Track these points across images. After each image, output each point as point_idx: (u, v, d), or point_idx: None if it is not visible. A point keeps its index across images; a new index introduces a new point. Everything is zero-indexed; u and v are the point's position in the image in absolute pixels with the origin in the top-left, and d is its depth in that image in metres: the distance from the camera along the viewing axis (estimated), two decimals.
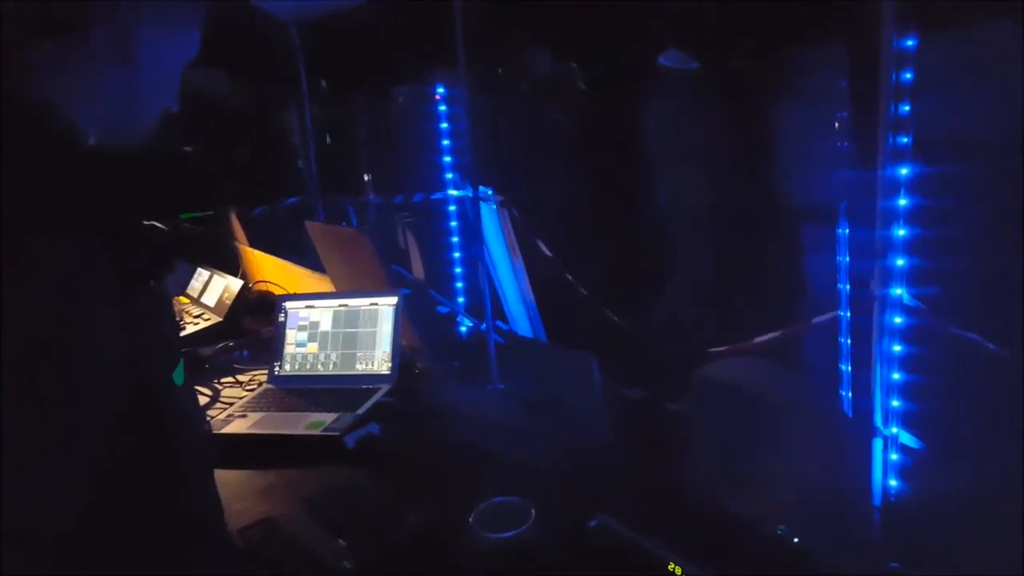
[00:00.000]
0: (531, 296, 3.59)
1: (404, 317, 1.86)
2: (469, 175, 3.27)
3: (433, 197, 3.95)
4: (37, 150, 0.78)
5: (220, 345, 2.12)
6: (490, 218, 3.52)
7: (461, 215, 3.82)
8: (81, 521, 0.73)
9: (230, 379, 1.94)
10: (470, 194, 3.27)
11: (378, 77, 4.57)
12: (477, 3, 2.87)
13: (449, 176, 3.82)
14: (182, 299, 2.59)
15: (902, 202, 1.84)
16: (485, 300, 3.23)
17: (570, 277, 3.67)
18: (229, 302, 2.31)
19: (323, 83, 4.35)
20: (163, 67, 0.90)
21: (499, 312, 3.59)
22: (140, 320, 0.82)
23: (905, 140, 1.81)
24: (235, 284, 2.37)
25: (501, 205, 3.50)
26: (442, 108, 3.74)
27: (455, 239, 3.92)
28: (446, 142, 3.78)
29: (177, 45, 0.91)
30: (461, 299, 3.92)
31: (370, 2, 3.14)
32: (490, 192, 3.45)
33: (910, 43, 1.78)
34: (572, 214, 3.84)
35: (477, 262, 3.37)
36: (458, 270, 3.92)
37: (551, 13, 3.95)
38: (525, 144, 3.93)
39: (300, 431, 1.59)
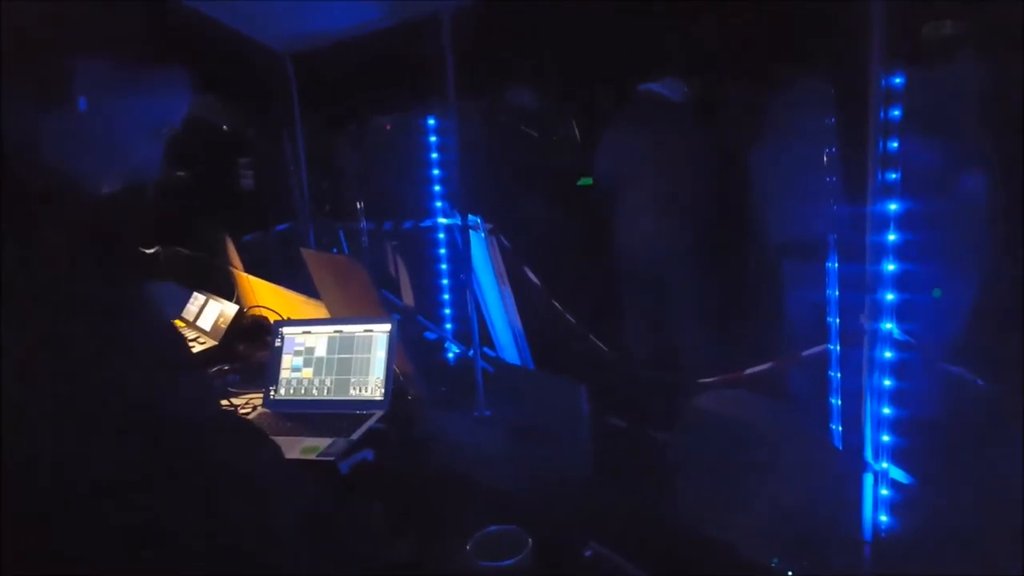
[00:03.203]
0: (519, 323, 3.60)
1: (397, 343, 1.86)
2: (458, 203, 3.30)
3: (423, 224, 3.97)
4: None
5: (215, 369, 2.12)
6: (479, 246, 3.54)
7: (450, 242, 3.84)
8: None
9: (225, 403, 1.93)
10: (459, 222, 3.30)
11: (370, 107, 4.62)
12: (467, 38, 2.93)
13: (439, 204, 3.85)
14: (178, 323, 2.58)
15: (891, 237, 1.88)
16: (473, 327, 3.24)
17: (558, 305, 3.69)
18: (224, 326, 2.31)
19: (317, 113, 4.40)
20: (148, 125, 0.96)
21: (487, 339, 3.59)
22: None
23: (893, 176, 1.85)
24: (230, 309, 2.37)
25: (490, 233, 3.53)
26: (432, 139, 3.78)
27: (444, 266, 3.94)
28: (436, 171, 3.82)
29: (162, 108, 0.97)
30: (449, 325, 3.93)
31: (363, 35, 3.18)
32: (479, 220, 3.48)
33: (898, 80, 1.83)
34: (561, 243, 3.88)
35: (466, 289, 3.38)
36: (447, 296, 3.94)
37: (540, 46, 4.03)
38: (514, 173, 3.97)
39: (295, 456, 1.59)
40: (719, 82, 3.36)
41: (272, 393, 1.88)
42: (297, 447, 1.63)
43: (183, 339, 0.97)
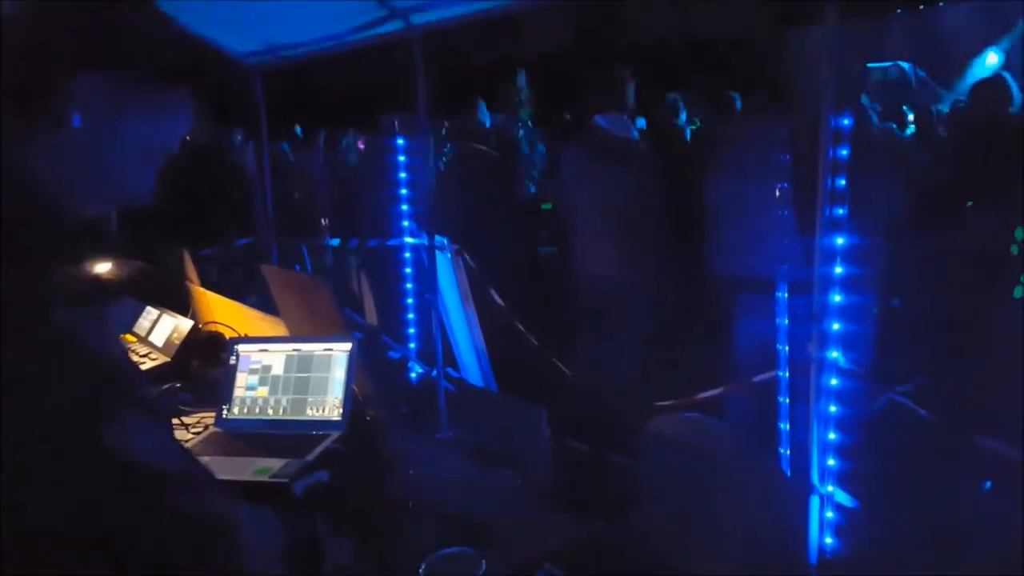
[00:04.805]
0: (482, 344, 3.62)
1: (358, 363, 1.86)
2: (426, 224, 3.32)
3: (389, 243, 3.98)
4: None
5: (166, 386, 2.08)
6: (445, 266, 3.56)
7: (416, 262, 3.85)
8: None
9: (176, 421, 1.91)
10: (426, 242, 3.32)
11: (339, 125, 4.65)
12: (438, 62, 2.97)
13: (406, 224, 3.87)
14: (129, 337, 2.53)
15: (838, 270, 1.94)
16: (437, 347, 3.25)
17: (521, 327, 3.71)
18: (178, 342, 2.27)
19: (284, 128, 4.42)
20: (148, 146, 0.93)
21: (450, 359, 3.60)
22: None
23: (841, 212, 1.92)
24: (185, 324, 2.33)
25: (456, 254, 3.55)
26: (401, 159, 3.81)
27: (409, 285, 3.94)
28: (404, 191, 3.84)
29: (162, 128, 0.94)
30: (412, 345, 3.93)
31: (334, 54, 3.21)
32: (445, 241, 3.50)
33: (846, 122, 1.91)
34: (525, 265, 3.92)
35: (430, 309, 3.39)
36: (411, 316, 3.94)
37: (507, 75, 4.10)
38: (479, 195, 4.01)
39: (247, 477, 1.58)
40: (673, 116, 3.45)
41: (225, 412, 1.86)
42: (250, 468, 1.62)
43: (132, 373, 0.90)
